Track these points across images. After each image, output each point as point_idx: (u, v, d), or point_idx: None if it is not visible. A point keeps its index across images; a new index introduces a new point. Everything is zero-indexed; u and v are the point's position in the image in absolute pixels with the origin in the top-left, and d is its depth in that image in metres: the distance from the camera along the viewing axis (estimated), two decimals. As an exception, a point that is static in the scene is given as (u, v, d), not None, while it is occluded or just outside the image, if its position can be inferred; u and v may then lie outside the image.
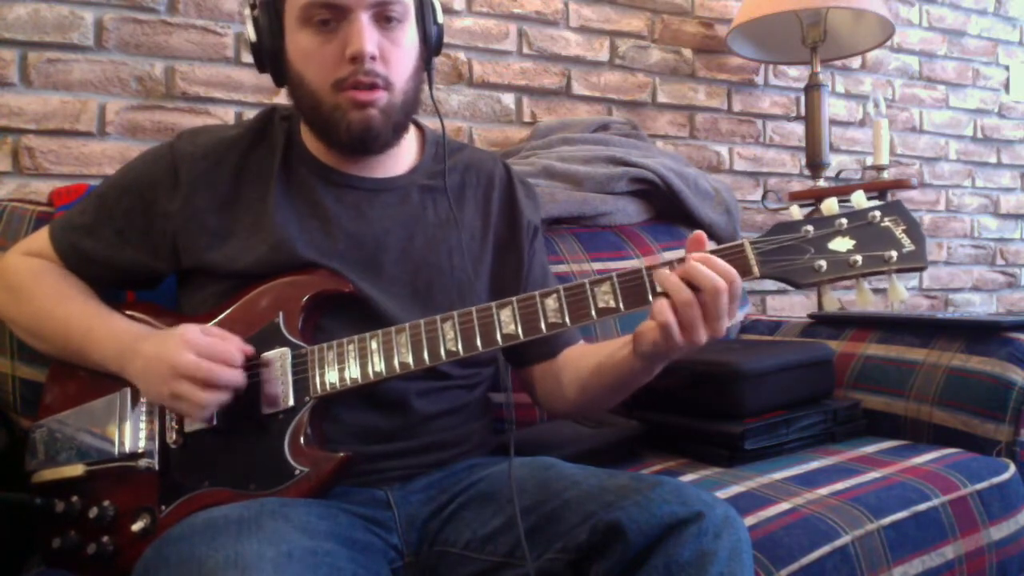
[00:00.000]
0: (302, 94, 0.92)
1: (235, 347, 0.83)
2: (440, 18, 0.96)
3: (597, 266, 1.51)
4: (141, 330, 0.90)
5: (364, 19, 0.87)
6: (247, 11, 0.93)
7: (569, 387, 1.01)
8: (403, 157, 1.02)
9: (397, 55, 0.90)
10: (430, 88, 0.97)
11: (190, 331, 0.83)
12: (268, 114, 1.02)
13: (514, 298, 0.82)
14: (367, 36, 0.86)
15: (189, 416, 0.85)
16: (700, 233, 0.79)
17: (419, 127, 1.08)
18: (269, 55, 0.92)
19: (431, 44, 0.96)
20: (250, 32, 0.92)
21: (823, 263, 0.76)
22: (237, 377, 0.82)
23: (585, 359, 0.99)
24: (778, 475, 1.08)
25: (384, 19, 0.88)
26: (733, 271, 0.76)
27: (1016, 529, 1.10)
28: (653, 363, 0.87)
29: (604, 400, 1.00)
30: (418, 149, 1.05)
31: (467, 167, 1.07)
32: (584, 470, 0.86)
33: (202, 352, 0.81)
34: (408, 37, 0.92)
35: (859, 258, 0.76)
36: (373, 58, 0.87)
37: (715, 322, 0.76)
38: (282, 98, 1.62)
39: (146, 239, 0.95)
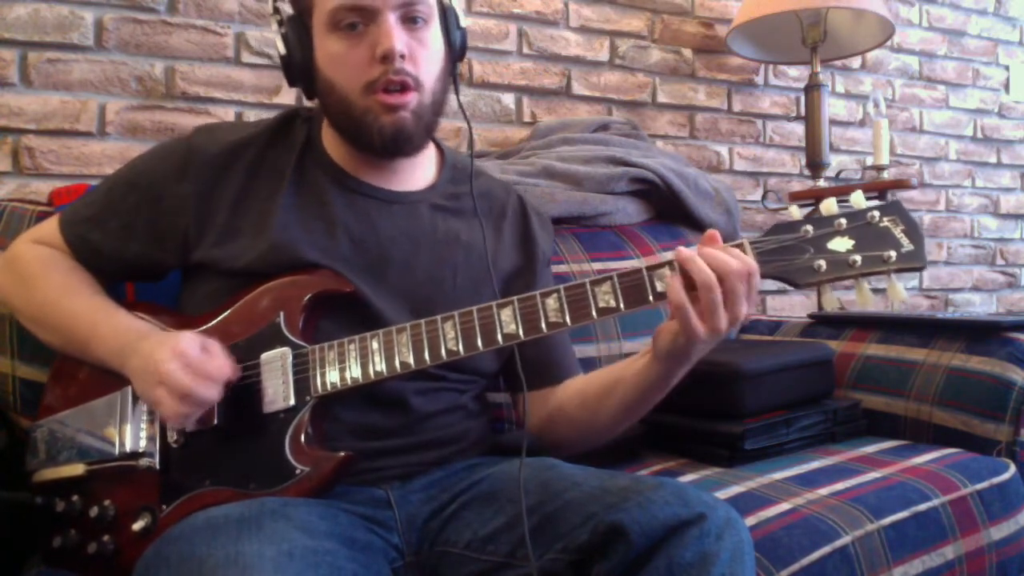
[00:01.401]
0: (332, 100, 0.92)
1: (222, 367, 0.82)
2: (463, 22, 0.97)
3: (597, 266, 1.51)
4: (144, 328, 0.89)
5: (392, 19, 0.87)
6: (274, 27, 0.94)
7: (573, 411, 0.99)
8: (421, 174, 1.02)
9: (425, 55, 0.91)
10: (456, 94, 0.97)
11: (185, 342, 0.82)
12: (291, 114, 1.02)
13: (515, 298, 0.82)
14: (396, 35, 0.87)
15: (167, 422, 0.85)
16: (714, 232, 0.80)
17: (439, 147, 1.08)
18: (300, 67, 0.93)
19: (455, 49, 0.96)
20: (280, 47, 0.93)
21: (822, 263, 0.77)
22: (213, 395, 0.81)
23: (592, 383, 0.98)
24: (778, 475, 1.08)
25: (410, 20, 0.89)
26: (753, 262, 0.76)
27: (1016, 529, 1.10)
28: (672, 367, 0.86)
29: (613, 422, 0.97)
30: (436, 170, 1.05)
31: (481, 194, 1.06)
32: (585, 471, 0.86)
33: (188, 365, 0.80)
34: (434, 38, 0.93)
35: (858, 258, 0.76)
36: (403, 57, 0.88)
37: (735, 307, 0.76)
38: (282, 98, 1.63)
39: (155, 233, 0.95)
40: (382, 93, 0.88)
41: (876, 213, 0.77)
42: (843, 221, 0.77)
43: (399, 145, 0.92)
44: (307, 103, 1.03)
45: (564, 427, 1.02)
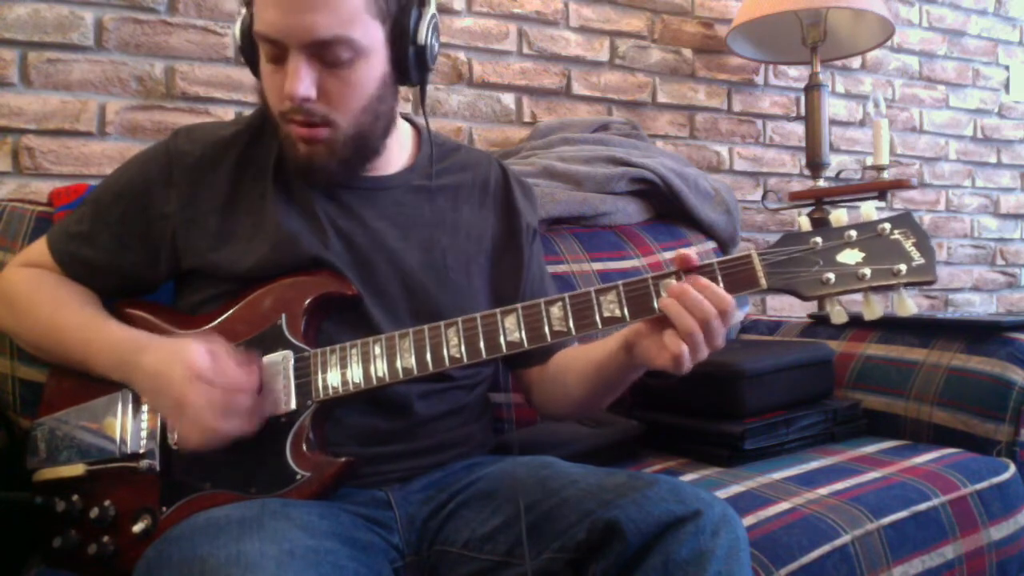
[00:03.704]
0: (269, 111, 0.91)
1: (245, 375, 0.80)
2: (424, 38, 0.89)
3: (597, 266, 1.51)
4: (139, 339, 0.87)
5: (299, 59, 0.81)
6: (242, 11, 0.91)
7: (569, 389, 0.99)
8: (398, 156, 1.01)
9: (343, 93, 0.85)
10: (422, 103, 0.95)
11: (197, 358, 0.78)
12: (265, 110, 1.01)
13: (519, 305, 0.82)
14: (300, 78, 0.81)
15: (192, 443, 0.80)
16: (685, 253, 0.78)
17: (415, 126, 1.07)
18: (250, 63, 0.92)
19: (409, 71, 0.90)
20: (236, 36, 0.91)
21: (831, 276, 0.75)
22: (244, 428, 0.79)
23: (581, 361, 0.97)
24: (778, 475, 1.08)
25: (327, 61, 0.83)
26: (727, 299, 0.75)
27: (1016, 529, 1.10)
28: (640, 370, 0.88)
29: (603, 400, 0.99)
30: (413, 148, 1.04)
31: (463, 167, 1.06)
32: (583, 469, 0.86)
33: (215, 383, 0.77)
34: (361, 74, 0.85)
35: (868, 271, 0.75)
36: (307, 100, 0.83)
37: (714, 340, 0.77)
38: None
39: (145, 242, 0.95)
40: (292, 124, 0.86)
41: (887, 225, 0.75)
42: (853, 233, 0.76)
43: (312, 175, 0.90)
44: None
45: (561, 399, 1.01)
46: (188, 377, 0.78)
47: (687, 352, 0.76)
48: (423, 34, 0.89)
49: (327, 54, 0.82)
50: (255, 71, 0.92)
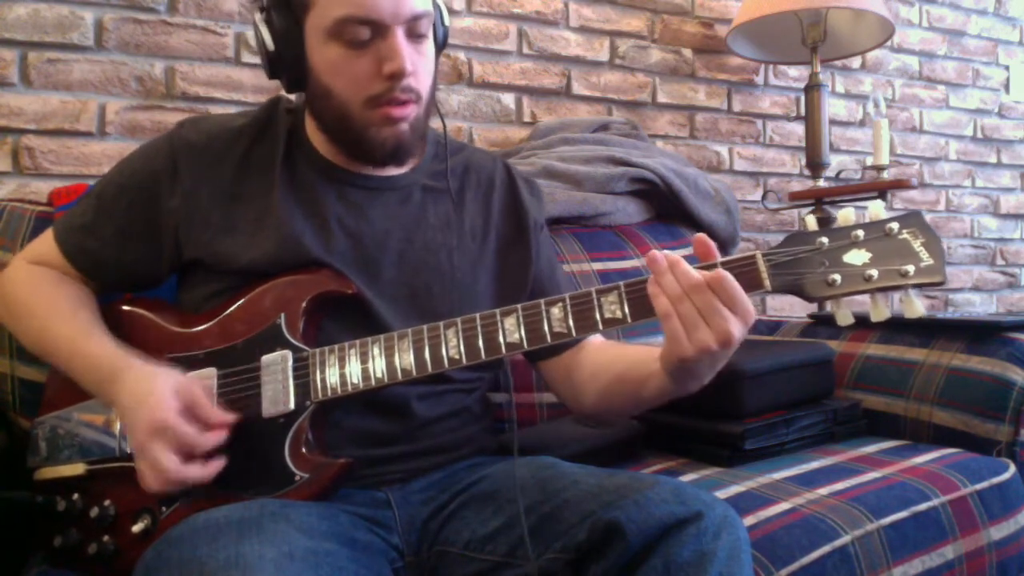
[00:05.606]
0: (328, 105, 0.90)
1: (211, 437, 0.79)
2: (447, 20, 0.97)
3: (597, 266, 1.51)
4: (115, 364, 0.85)
5: (400, 36, 0.85)
6: (257, 16, 0.90)
7: (589, 389, 0.98)
8: None
9: (425, 67, 0.90)
10: (434, 87, 0.97)
11: (159, 414, 0.77)
12: (273, 105, 1.00)
13: (519, 306, 0.81)
14: (406, 54, 0.85)
15: (145, 483, 0.79)
16: (703, 237, 0.76)
17: None
18: (288, 64, 0.90)
19: (440, 46, 0.96)
20: (267, 39, 0.88)
21: (837, 277, 0.73)
22: (205, 475, 0.79)
23: (607, 364, 0.96)
24: (778, 475, 1.08)
25: (415, 35, 0.88)
26: (720, 274, 0.73)
27: (1016, 529, 1.10)
28: (681, 383, 0.83)
29: (626, 409, 0.97)
30: (420, 148, 1.04)
31: (467, 168, 1.06)
32: (584, 469, 0.86)
33: (176, 438, 0.77)
34: (431, 48, 0.92)
35: (875, 272, 0.73)
36: (411, 75, 0.87)
37: (717, 320, 0.72)
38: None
39: (149, 235, 0.94)
40: (386, 106, 0.87)
41: (895, 225, 0.74)
42: (860, 233, 0.74)
43: (398, 156, 0.92)
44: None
45: (584, 401, 1.00)
46: (150, 430, 0.77)
47: (668, 307, 0.73)
48: (446, 16, 0.96)
49: (416, 27, 0.87)
50: (296, 71, 0.90)
